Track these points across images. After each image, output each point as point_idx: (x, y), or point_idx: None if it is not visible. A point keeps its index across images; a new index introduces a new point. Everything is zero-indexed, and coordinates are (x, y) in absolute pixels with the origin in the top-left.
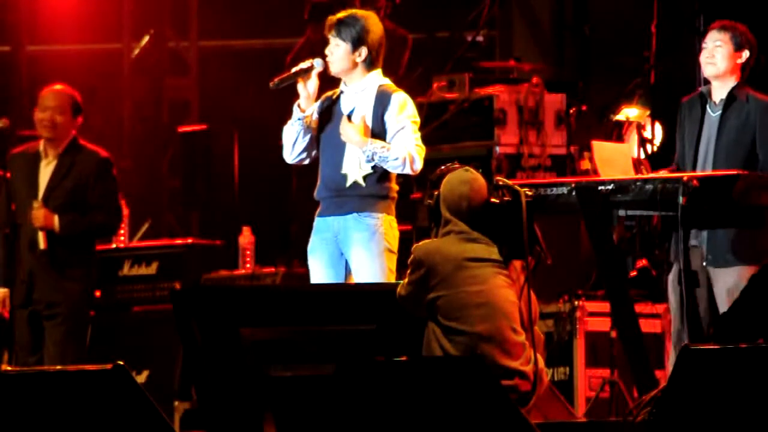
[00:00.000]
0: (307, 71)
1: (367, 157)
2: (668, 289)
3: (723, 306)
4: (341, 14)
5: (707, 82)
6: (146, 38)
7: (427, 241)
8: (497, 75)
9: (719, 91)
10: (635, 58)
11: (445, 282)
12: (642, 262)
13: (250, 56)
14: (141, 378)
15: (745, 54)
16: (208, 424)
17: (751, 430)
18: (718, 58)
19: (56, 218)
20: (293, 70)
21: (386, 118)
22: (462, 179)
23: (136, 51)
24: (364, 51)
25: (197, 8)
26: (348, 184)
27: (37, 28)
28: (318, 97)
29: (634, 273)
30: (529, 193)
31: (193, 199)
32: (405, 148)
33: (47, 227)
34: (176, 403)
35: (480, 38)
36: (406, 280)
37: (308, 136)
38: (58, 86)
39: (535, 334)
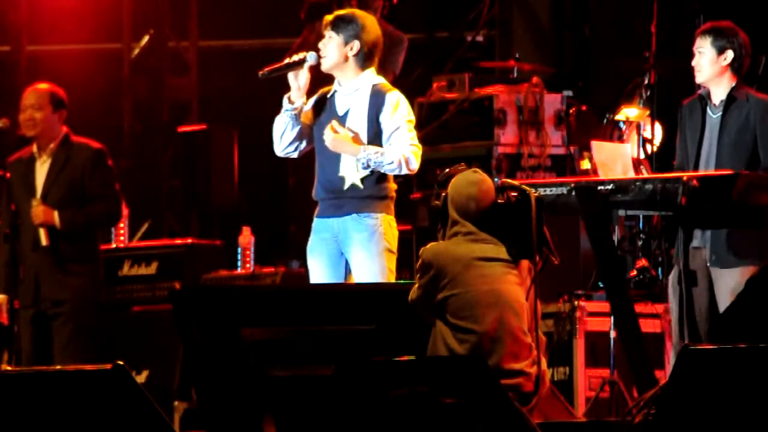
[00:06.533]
0: (299, 64)
1: (362, 164)
2: (669, 291)
3: (725, 307)
4: (340, 11)
5: None
6: (146, 38)
7: (434, 243)
8: (497, 75)
9: (718, 93)
10: (635, 58)
11: (456, 281)
12: (642, 262)
13: (250, 56)
14: (141, 378)
15: (729, 55)
16: (208, 424)
17: (751, 430)
18: (702, 65)
19: (56, 213)
20: (285, 61)
21: (381, 119)
22: (470, 180)
23: (136, 51)
24: (356, 45)
25: (197, 8)
26: (346, 186)
27: (37, 28)
28: (313, 93)
29: (633, 273)
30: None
31: (193, 199)
32: (399, 151)
33: (48, 223)
34: (176, 403)
35: (480, 38)
36: (416, 284)
37: (296, 129)
38: (40, 85)
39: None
